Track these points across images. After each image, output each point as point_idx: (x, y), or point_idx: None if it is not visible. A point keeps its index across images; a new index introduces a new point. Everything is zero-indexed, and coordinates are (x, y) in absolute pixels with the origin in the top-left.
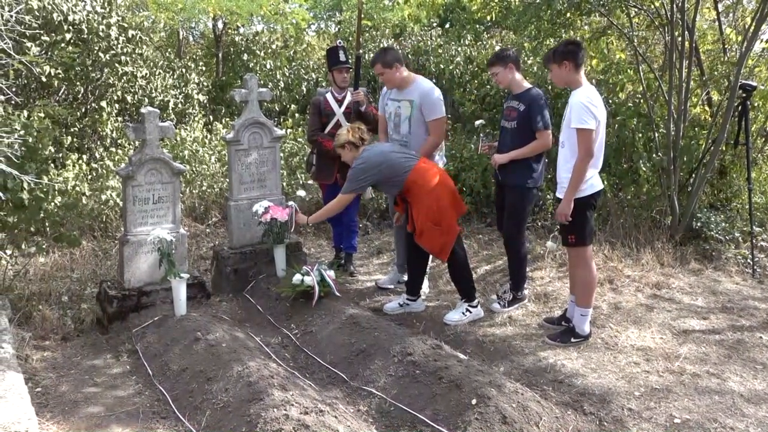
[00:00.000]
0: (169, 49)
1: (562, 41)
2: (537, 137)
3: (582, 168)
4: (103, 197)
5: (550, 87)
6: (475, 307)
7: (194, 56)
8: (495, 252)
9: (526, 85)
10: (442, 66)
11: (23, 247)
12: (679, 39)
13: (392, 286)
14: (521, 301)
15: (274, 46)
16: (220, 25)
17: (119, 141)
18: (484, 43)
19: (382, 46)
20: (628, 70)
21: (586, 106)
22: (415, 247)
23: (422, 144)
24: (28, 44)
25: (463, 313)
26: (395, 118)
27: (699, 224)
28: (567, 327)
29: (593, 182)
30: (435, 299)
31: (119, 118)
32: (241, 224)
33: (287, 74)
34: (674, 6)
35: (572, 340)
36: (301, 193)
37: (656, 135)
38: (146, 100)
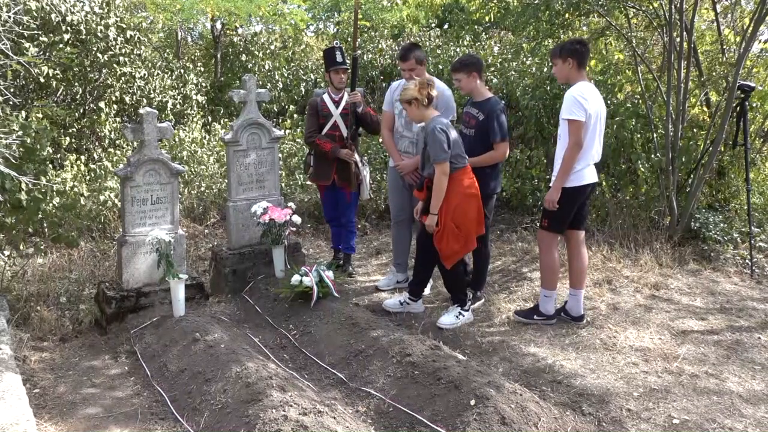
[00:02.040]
0: (167, 50)
1: (570, 39)
2: (494, 148)
3: (570, 157)
4: (102, 198)
5: (549, 88)
6: (467, 311)
7: (193, 57)
8: (494, 252)
9: (487, 93)
10: (440, 67)
11: (21, 247)
12: (678, 40)
13: (392, 287)
14: (480, 300)
15: (272, 47)
16: (218, 25)
17: (117, 142)
18: (483, 43)
19: (380, 47)
20: (627, 71)
21: (576, 99)
22: (426, 251)
23: None
24: (27, 45)
25: (456, 317)
26: (408, 115)
27: (697, 225)
28: (534, 305)
29: (583, 174)
30: (434, 300)
31: (117, 119)
32: (239, 225)
33: (286, 75)
34: (672, 7)
35: (535, 317)
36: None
37: (655, 135)
38: (144, 100)
